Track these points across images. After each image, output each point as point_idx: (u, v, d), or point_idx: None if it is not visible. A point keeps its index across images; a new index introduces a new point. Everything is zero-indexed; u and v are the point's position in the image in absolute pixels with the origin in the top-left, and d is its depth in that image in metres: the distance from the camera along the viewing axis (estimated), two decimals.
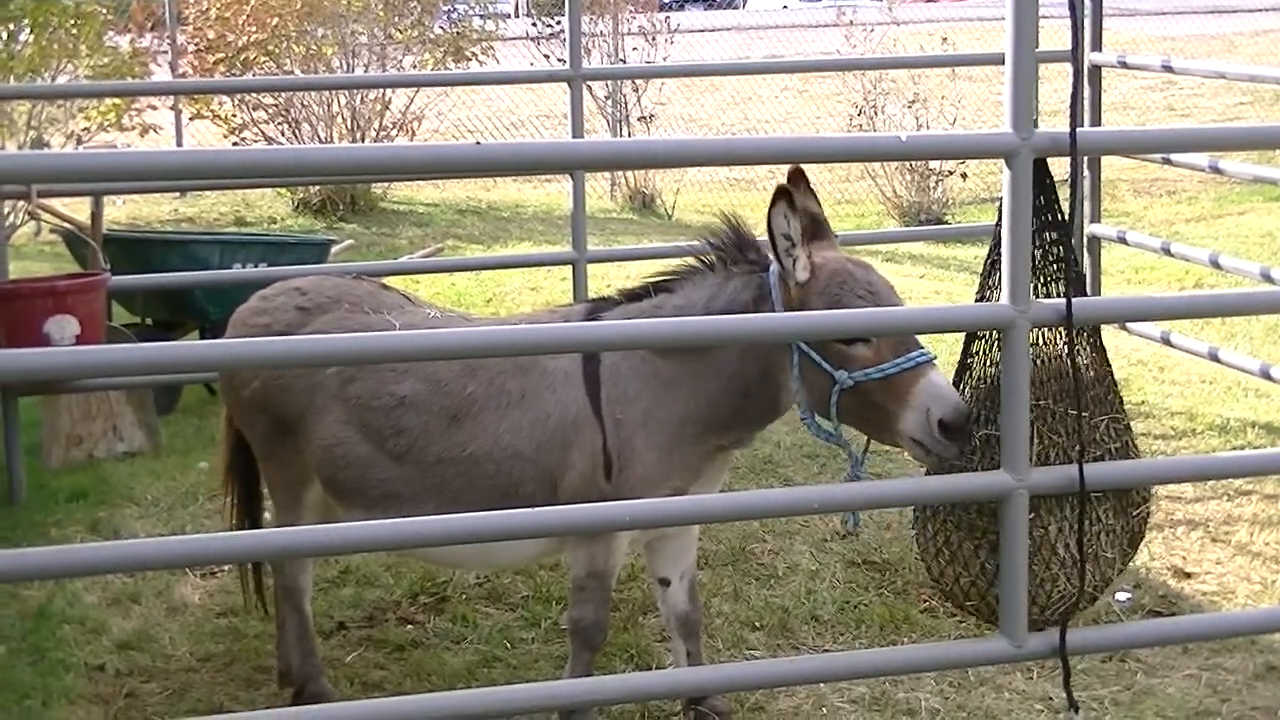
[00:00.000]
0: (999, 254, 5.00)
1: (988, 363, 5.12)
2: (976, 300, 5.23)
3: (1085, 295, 5.08)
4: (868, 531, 7.41)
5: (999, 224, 4.96)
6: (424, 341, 4.72)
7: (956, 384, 5.15)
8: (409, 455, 5.52)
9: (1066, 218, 5.05)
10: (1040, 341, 5.07)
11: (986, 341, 5.12)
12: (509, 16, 25.65)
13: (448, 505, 5.37)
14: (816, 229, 5.24)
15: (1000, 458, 4.93)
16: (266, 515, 6.44)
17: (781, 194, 5.03)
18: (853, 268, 5.14)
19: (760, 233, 5.30)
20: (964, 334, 5.28)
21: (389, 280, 6.42)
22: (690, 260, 5.47)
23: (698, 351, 5.24)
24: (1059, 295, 5.02)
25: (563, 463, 5.38)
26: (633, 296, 5.52)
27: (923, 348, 5.01)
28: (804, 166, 5.28)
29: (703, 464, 5.43)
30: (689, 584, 5.79)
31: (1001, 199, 4.89)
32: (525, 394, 5.43)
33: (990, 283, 5.13)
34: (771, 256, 5.16)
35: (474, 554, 5.64)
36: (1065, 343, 4.98)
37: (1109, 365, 5.20)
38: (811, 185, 5.30)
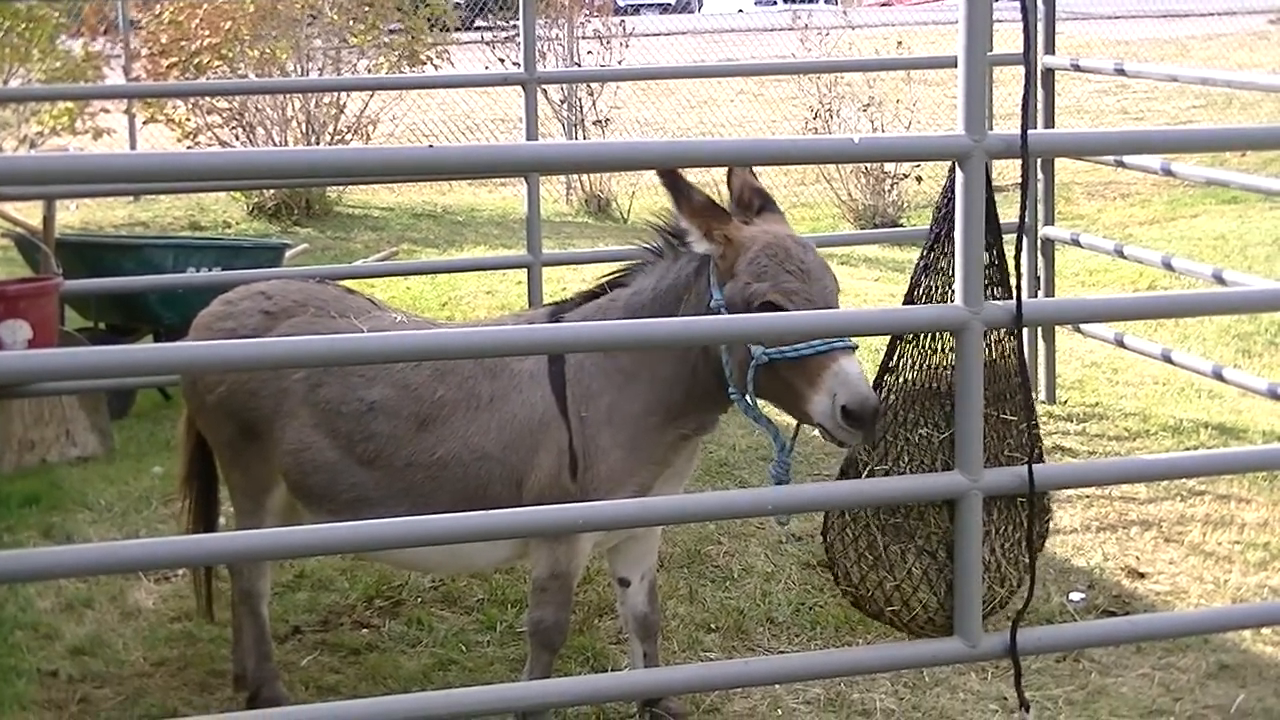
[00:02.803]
0: (931, 256, 5.02)
1: (917, 365, 5.12)
2: (905, 302, 5.23)
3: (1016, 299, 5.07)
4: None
5: (933, 225, 4.99)
6: (384, 345, 4.71)
7: (878, 384, 5.15)
8: (378, 460, 5.52)
9: (1017, 220, 5.08)
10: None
11: (915, 344, 5.12)
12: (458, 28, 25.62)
13: (416, 509, 5.36)
14: (764, 204, 5.28)
15: (937, 460, 4.96)
16: (223, 520, 6.42)
17: (661, 177, 5.14)
18: (790, 244, 5.13)
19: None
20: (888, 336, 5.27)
21: (347, 284, 6.41)
22: (643, 255, 5.50)
23: None
24: (994, 299, 5.03)
25: (529, 463, 5.38)
26: (590, 296, 5.55)
27: (845, 338, 5.01)
28: (760, 169, 5.30)
29: (669, 455, 5.43)
30: (649, 585, 5.79)
31: (938, 201, 4.91)
32: (494, 397, 5.43)
33: (924, 284, 5.13)
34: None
35: (442, 557, 5.64)
36: (998, 344, 5.03)
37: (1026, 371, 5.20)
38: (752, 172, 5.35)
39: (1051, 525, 5.33)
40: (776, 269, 5.04)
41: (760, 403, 5.17)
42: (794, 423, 5.24)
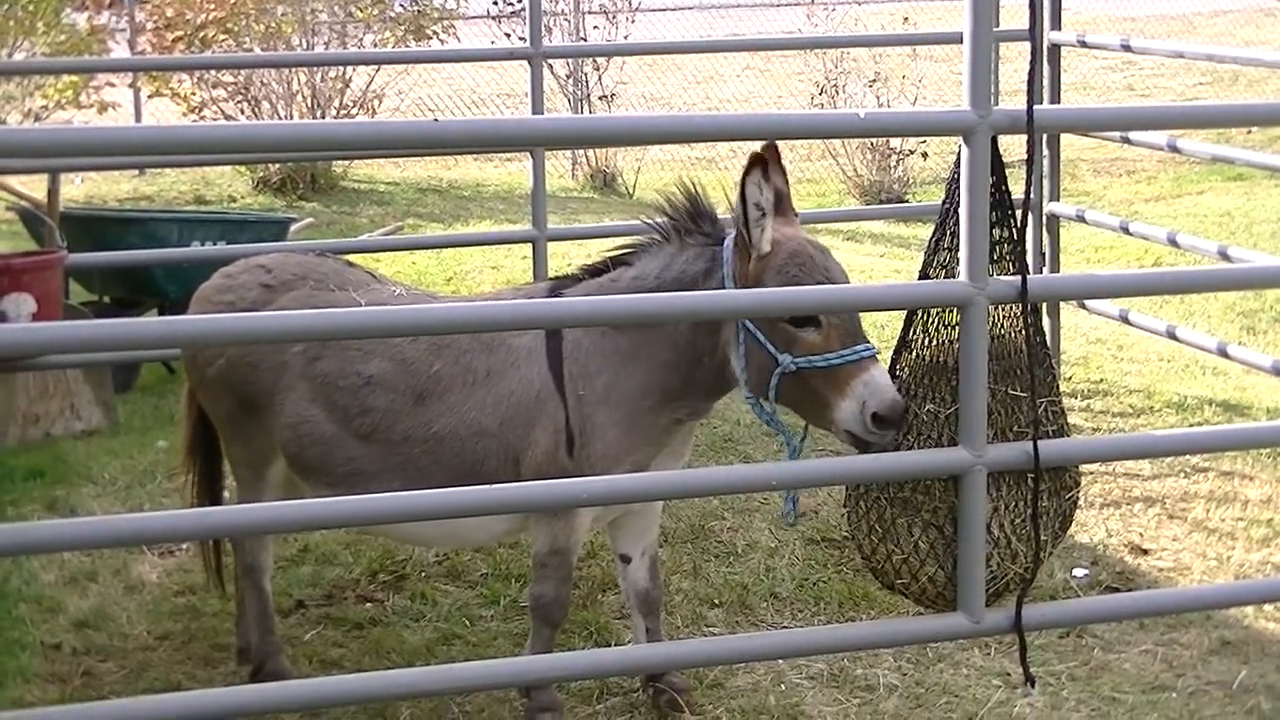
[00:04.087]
0: (944, 231, 5.02)
1: (927, 340, 5.12)
2: (920, 278, 5.22)
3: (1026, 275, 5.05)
4: (826, 509, 7.42)
5: (945, 201, 4.98)
6: (381, 318, 4.71)
7: (895, 360, 5.16)
8: (375, 434, 5.51)
9: (1022, 196, 5.07)
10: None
11: (927, 318, 5.12)
12: None
13: (413, 484, 5.36)
14: (779, 205, 5.23)
15: (944, 435, 4.96)
16: (226, 494, 6.43)
17: (757, 161, 5.01)
18: (812, 250, 5.13)
19: (721, 210, 5.32)
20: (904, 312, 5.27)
21: (350, 258, 6.40)
22: (649, 232, 5.47)
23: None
24: (1003, 275, 5.02)
25: (526, 439, 5.38)
26: (593, 272, 5.53)
27: (869, 342, 5.02)
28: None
29: (663, 436, 5.43)
30: (650, 561, 5.79)
31: (950, 177, 4.90)
32: (490, 372, 5.43)
33: (936, 260, 5.12)
34: (730, 229, 5.18)
35: (441, 531, 5.66)
36: (1011, 321, 5.02)
37: (1048, 349, 5.18)
38: (783, 164, 5.30)
39: (1078, 502, 5.30)
40: (806, 279, 5.04)
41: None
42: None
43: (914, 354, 5.15)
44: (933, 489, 5.08)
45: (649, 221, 5.46)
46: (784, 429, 5.24)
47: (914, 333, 5.17)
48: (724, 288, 5.15)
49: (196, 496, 6.26)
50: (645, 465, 5.40)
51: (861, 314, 5.10)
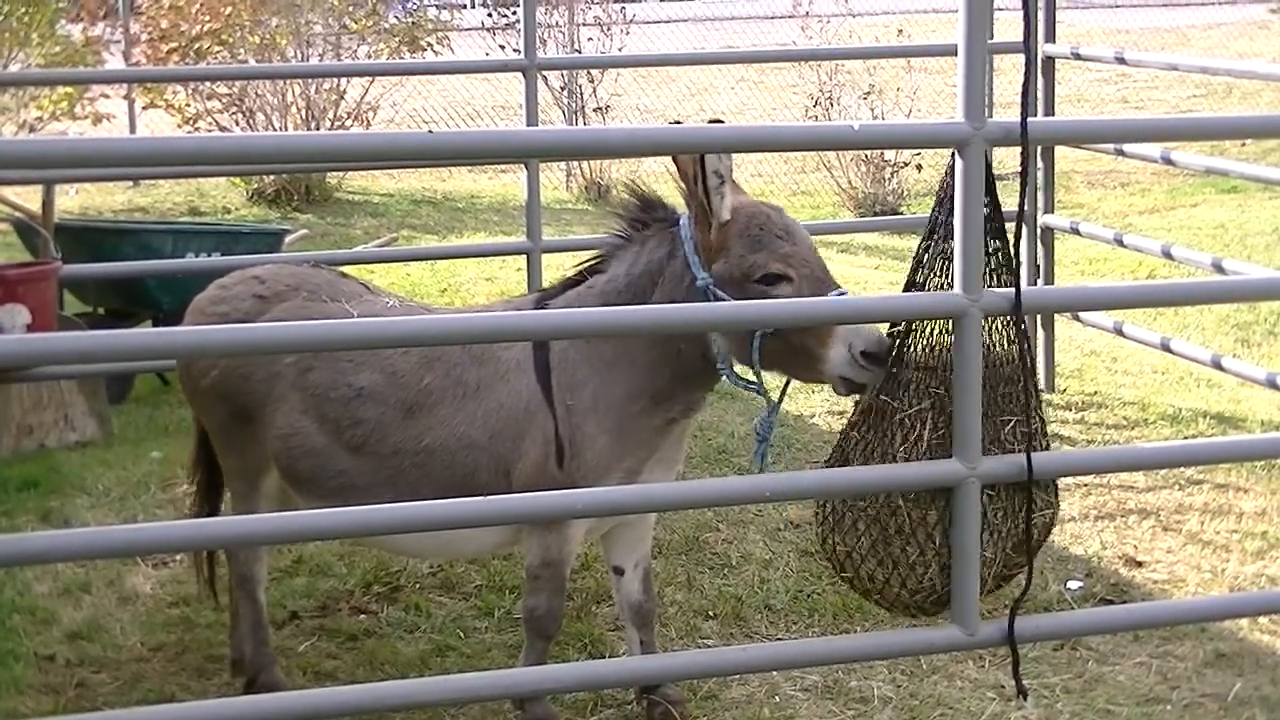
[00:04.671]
0: (930, 242, 5.02)
1: (907, 341, 5.09)
2: (905, 289, 5.21)
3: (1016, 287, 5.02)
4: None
5: (934, 212, 4.98)
6: (364, 330, 4.71)
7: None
8: (365, 446, 5.51)
9: (1016, 208, 5.06)
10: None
11: (916, 332, 5.09)
12: (465, 7, 25.65)
13: (403, 496, 5.34)
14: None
15: (920, 437, 4.96)
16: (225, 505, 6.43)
17: (679, 164, 5.12)
18: (768, 209, 5.21)
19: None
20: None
21: (345, 270, 6.40)
22: (613, 240, 5.53)
23: None
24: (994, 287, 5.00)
25: (516, 451, 5.38)
26: (570, 284, 5.55)
27: (839, 285, 5.08)
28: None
29: (655, 439, 5.42)
30: (643, 573, 5.79)
31: (939, 188, 4.91)
32: (480, 385, 5.43)
33: (924, 270, 5.10)
34: (686, 205, 5.24)
35: (434, 543, 5.65)
36: (999, 332, 5.01)
37: (1029, 363, 5.12)
38: None
39: (1043, 519, 5.26)
40: (769, 237, 5.09)
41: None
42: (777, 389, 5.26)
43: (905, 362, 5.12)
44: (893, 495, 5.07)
45: (610, 231, 5.55)
46: (758, 386, 5.22)
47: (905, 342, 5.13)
48: (688, 264, 5.20)
49: (195, 506, 6.26)
50: (638, 472, 5.40)
51: None
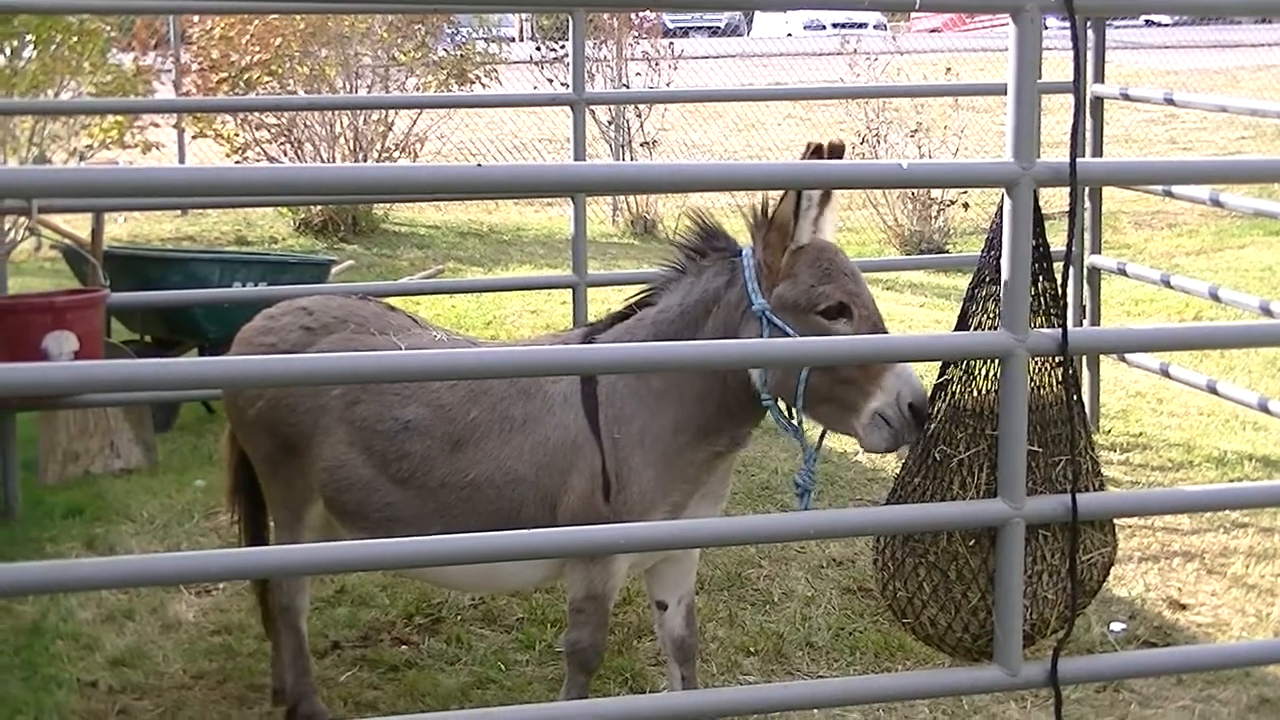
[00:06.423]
0: (982, 280, 5.00)
1: (961, 390, 5.08)
2: (957, 329, 5.19)
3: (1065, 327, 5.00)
4: (863, 559, 7.40)
5: (985, 252, 4.96)
6: (408, 362, 4.71)
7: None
8: (412, 480, 5.51)
9: (1064, 249, 5.04)
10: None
11: (961, 368, 5.08)
12: (513, 40, 25.74)
13: (449, 529, 5.34)
14: (827, 199, 5.32)
15: (958, 480, 4.93)
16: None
17: (815, 150, 5.05)
18: (832, 248, 5.22)
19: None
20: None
21: (390, 301, 6.42)
22: (666, 274, 5.51)
23: None
24: (1042, 327, 4.98)
25: (563, 485, 5.37)
26: (619, 317, 5.54)
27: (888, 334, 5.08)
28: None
29: (701, 474, 5.40)
30: (686, 608, 5.78)
31: (990, 228, 4.90)
32: (527, 419, 5.43)
33: (973, 311, 5.08)
34: (751, 234, 5.23)
35: (477, 576, 5.64)
36: (1048, 375, 4.98)
37: (1079, 404, 5.10)
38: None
39: (1101, 559, 5.23)
40: (837, 273, 5.09)
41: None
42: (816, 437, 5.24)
43: (949, 401, 5.11)
44: (940, 534, 5.04)
45: (664, 261, 5.53)
46: (798, 429, 5.20)
47: (950, 379, 5.12)
48: (746, 292, 5.18)
49: (244, 537, 6.27)
50: (683, 506, 5.39)
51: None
